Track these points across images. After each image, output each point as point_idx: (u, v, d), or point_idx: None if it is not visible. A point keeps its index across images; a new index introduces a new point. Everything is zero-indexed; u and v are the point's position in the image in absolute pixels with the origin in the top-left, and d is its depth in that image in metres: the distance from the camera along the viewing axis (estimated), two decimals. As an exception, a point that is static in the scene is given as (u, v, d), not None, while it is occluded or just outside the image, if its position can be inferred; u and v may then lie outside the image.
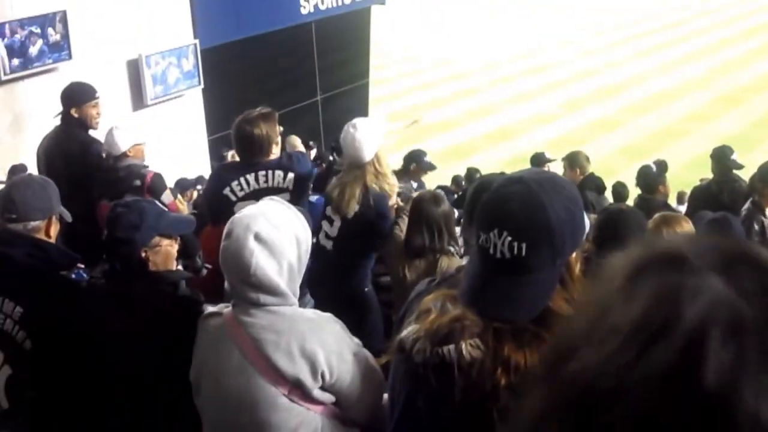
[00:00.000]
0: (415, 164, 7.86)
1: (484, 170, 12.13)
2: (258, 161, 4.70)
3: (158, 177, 5.72)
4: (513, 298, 1.64)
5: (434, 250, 4.25)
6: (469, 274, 1.72)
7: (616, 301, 0.83)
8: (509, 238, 1.62)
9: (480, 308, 1.67)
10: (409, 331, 1.76)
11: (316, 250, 4.54)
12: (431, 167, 8.04)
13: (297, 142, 8.17)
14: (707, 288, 0.79)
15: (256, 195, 4.71)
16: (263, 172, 4.69)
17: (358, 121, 4.81)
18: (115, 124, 5.82)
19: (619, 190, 8.81)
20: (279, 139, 4.82)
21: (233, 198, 4.70)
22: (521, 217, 1.63)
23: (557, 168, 8.33)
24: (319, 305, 3.93)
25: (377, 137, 4.78)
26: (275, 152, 4.75)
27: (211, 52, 11.41)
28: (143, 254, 3.02)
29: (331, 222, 4.87)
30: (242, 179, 4.70)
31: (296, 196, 4.58)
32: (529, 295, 1.65)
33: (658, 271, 0.83)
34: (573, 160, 8.10)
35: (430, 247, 4.26)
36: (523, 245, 1.61)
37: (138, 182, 5.55)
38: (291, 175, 4.72)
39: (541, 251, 1.62)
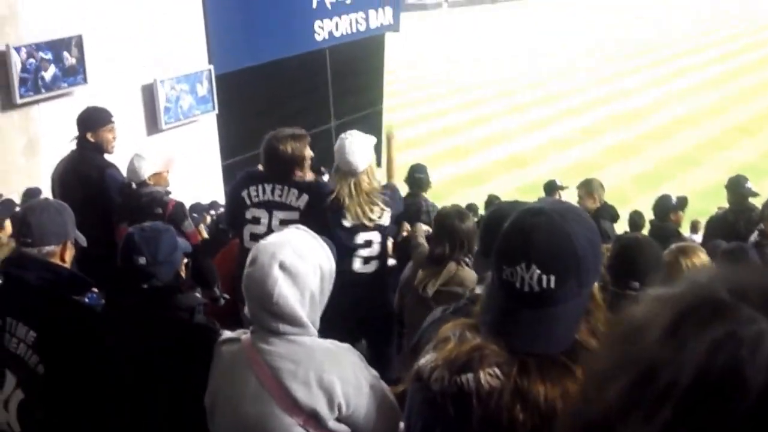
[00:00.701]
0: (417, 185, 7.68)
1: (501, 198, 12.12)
2: (280, 176, 4.81)
3: (180, 206, 5.74)
4: (544, 331, 1.64)
5: (453, 259, 4.35)
6: (492, 307, 1.70)
7: (661, 360, 0.74)
8: (538, 272, 1.62)
9: (510, 341, 1.65)
10: (426, 359, 1.74)
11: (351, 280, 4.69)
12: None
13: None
14: (766, 336, 0.71)
15: (267, 205, 4.89)
16: (280, 186, 4.84)
17: (352, 132, 4.93)
18: (138, 152, 5.84)
19: (636, 219, 8.77)
20: (308, 162, 4.93)
21: (248, 202, 4.88)
22: (548, 250, 1.63)
23: (570, 195, 8.32)
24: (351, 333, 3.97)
25: (371, 150, 4.88)
26: (301, 174, 4.85)
27: (225, 78, 11.47)
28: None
29: (369, 244, 4.92)
30: (260, 186, 4.86)
31: (307, 220, 4.61)
32: (560, 327, 1.65)
33: (705, 320, 0.74)
34: (589, 188, 8.05)
35: (449, 256, 4.35)
36: (552, 278, 1.61)
37: (159, 210, 5.57)
38: (305, 197, 4.82)
39: (568, 282, 1.62)
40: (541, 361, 1.63)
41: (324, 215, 4.79)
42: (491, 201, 11.87)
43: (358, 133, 4.91)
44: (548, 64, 35.35)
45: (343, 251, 5.01)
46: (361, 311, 4.93)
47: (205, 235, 7.97)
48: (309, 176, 5.02)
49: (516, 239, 1.66)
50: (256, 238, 4.79)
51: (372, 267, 4.95)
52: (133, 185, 5.75)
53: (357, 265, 4.92)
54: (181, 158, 10.44)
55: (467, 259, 4.38)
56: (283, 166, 4.83)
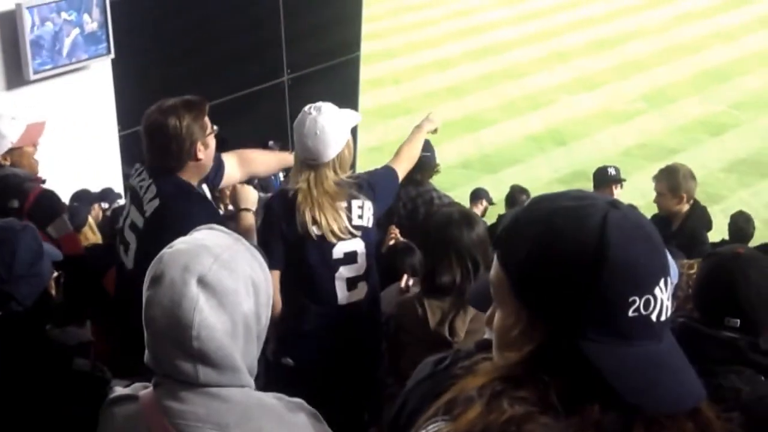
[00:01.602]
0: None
1: (532, 187, 12.15)
2: (169, 167, 4.79)
3: (47, 197, 5.62)
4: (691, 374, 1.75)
5: (464, 291, 4.32)
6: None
7: None
8: (671, 287, 1.75)
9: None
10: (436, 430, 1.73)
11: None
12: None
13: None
14: None
15: (131, 193, 4.91)
16: (146, 175, 4.83)
17: (321, 104, 4.95)
18: None
19: (740, 225, 8.67)
20: (209, 140, 4.85)
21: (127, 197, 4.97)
22: (665, 254, 1.78)
23: (635, 190, 8.30)
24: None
25: (343, 132, 4.91)
26: (203, 158, 4.79)
27: (126, 6, 11.39)
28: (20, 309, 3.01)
29: (352, 258, 4.98)
30: (141, 167, 4.90)
31: (141, 241, 4.62)
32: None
33: None
34: (674, 180, 7.98)
35: (460, 287, 4.34)
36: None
37: (15, 203, 5.47)
38: (155, 202, 4.74)
39: None
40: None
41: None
42: (514, 195, 11.98)
43: (329, 107, 4.91)
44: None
45: (321, 275, 5.02)
46: (347, 361, 4.95)
47: (95, 237, 7.89)
48: (207, 157, 4.89)
49: (644, 252, 1.75)
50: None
51: (362, 292, 4.97)
52: None
53: (341, 293, 4.93)
54: (57, 124, 10.39)
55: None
56: (176, 152, 4.76)
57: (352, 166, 5.40)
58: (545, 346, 1.71)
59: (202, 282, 2.41)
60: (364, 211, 4.91)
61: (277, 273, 4.73)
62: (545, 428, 1.61)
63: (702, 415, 1.71)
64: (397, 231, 6.11)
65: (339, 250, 4.95)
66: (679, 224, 7.93)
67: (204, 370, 2.43)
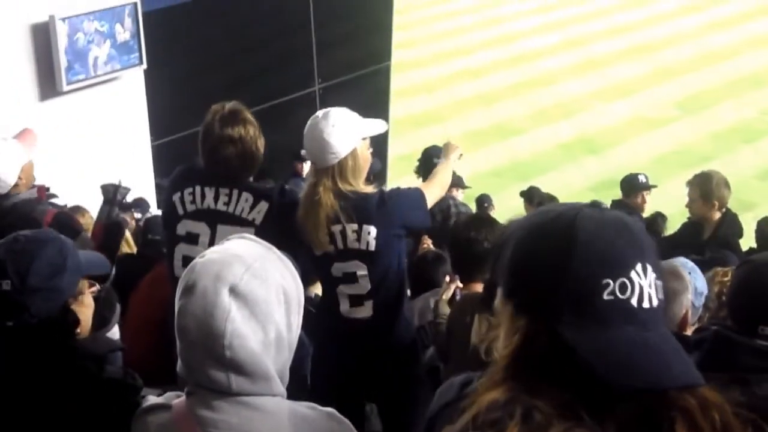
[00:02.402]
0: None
1: (563, 196, 12.13)
2: (225, 176, 4.82)
3: (63, 220, 5.55)
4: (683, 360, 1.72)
5: None
6: (599, 349, 1.69)
7: None
8: (654, 275, 1.74)
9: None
10: None
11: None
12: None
13: None
14: None
15: (208, 217, 4.87)
16: (226, 190, 4.81)
17: (334, 109, 4.86)
18: None
19: (768, 232, 8.63)
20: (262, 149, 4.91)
21: (180, 211, 4.89)
22: (650, 245, 1.77)
23: (668, 197, 8.22)
24: None
25: (350, 138, 4.79)
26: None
27: (158, 17, 11.42)
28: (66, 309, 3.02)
29: (351, 278, 4.90)
30: (197, 189, 4.84)
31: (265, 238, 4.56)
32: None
33: None
34: (707, 187, 7.93)
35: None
36: (660, 283, 1.75)
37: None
38: (263, 205, 4.76)
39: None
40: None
41: (292, 233, 4.75)
42: (531, 197, 12.08)
43: (338, 112, 4.84)
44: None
45: (324, 286, 5.00)
46: (366, 371, 4.91)
47: (130, 247, 7.91)
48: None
49: (618, 237, 1.77)
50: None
51: (366, 311, 4.90)
52: None
53: (344, 306, 4.89)
54: (90, 135, 10.42)
55: None
56: (231, 162, 4.78)
57: (382, 176, 5.35)
58: (529, 336, 1.74)
59: (234, 291, 2.41)
60: (362, 236, 4.77)
61: None
62: None
63: (704, 396, 1.70)
64: (429, 241, 6.08)
65: (338, 269, 4.86)
66: (711, 232, 7.88)
67: (237, 379, 2.43)
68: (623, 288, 1.69)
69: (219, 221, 4.85)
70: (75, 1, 10.43)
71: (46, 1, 10.16)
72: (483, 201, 12.71)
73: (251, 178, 5.01)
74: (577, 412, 1.64)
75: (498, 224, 5.02)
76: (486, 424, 1.68)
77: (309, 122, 4.79)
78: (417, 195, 5.07)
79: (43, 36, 10.22)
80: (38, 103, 10.24)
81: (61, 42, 10.29)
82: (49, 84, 10.35)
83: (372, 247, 4.78)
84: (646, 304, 1.70)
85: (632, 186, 9.74)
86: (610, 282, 1.69)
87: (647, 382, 1.64)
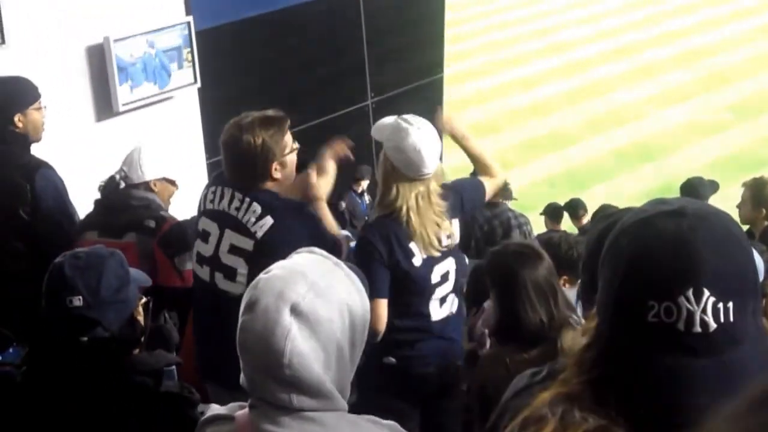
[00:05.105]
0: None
1: (619, 204, 11.99)
2: (241, 181, 4.84)
3: (182, 230, 5.64)
4: (730, 390, 1.58)
5: (553, 328, 4.16)
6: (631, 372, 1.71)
7: None
8: (713, 299, 1.65)
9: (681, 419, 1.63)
10: None
11: None
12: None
13: None
14: None
15: (220, 218, 4.92)
16: (240, 196, 4.83)
17: (410, 117, 5.01)
18: (143, 145, 5.86)
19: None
20: (288, 159, 4.83)
21: (202, 207, 5.03)
22: (720, 265, 1.68)
23: (725, 202, 8.08)
24: None
25: (438, 141, 4.93)
26: (279, 177, 4.79)
27: (212, 36, 11.49)
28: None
29: (445, 278, 5.02)
30: (219, 188, 4.92)
31: (255, 262, 4.54)
32: (746, 380, 1.59)
33: None
34: (759, 194, 7.80)
35: (551, 325, 4.17)
36: (730, 305, 1.66)
37: (152, 223, 5.49)
38: (268, 220, 4.74)
39: (746, 310, 1.69)
40: None
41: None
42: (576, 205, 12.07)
43: (420, 119, 4.92)
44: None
45: (420, 299, 4.97)
46: (436, 377, 5.02)
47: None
48: (284, 176, 4.86)
49: (667, 257, 1.69)
50: (201, 260, 4.78)
51: (453, 306, 5.03)
52: (122, 183, 5.69)
53: (436, 314, 4.89)
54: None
55: (573, 317, 4.25)
56: (250, 168, 4.77)
57: None
58: (594, 339, 1.79)
59: (295, 311, 2.42)
60: (455, 230, 4.91)
61: (384, 301, 4.68)
62: None
63: None
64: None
65: (437, 274, 4.93)
66: (759, 238, 7.76)
67: (297, 397, 2.45)
68: (668, 312, 1.66)
69: (227, 225, 4.87)
70: (128, 22, 10.52)
71: (100, 22, 10.24)
72: (578, 207, 12.72)
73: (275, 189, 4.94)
74: (610, 413, 1.67)
75: None
76: (531, 420, 1.77)
77: (406, 133, 4.80)
78: (480, 188, 5.31)
79: (98, 57, 10.32)
80: (95, 123, 10.32)
81: (115, 63, 10.37)
82: (104, 104, 10.45)
83: (458, 239, 4.95)
84: (697, 330, 1.65)
85: (696, 189, 9.66)
86: (655, 305, 1.66)
87: (666, 406, 1.65)
